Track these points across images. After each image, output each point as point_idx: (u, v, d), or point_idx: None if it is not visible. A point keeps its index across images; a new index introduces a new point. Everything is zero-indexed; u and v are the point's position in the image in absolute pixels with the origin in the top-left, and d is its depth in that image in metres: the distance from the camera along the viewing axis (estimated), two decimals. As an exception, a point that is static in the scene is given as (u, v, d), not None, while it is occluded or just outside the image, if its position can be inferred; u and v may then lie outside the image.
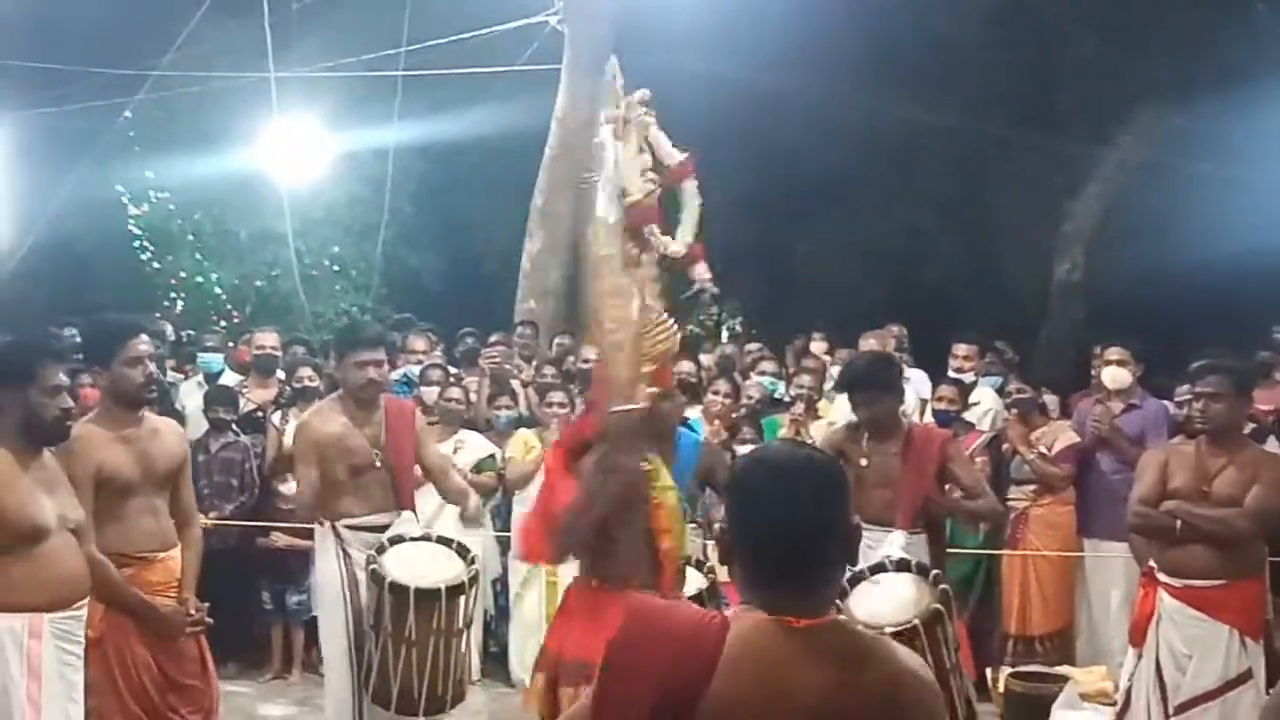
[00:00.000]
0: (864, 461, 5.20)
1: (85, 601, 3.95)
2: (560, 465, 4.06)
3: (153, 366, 4.43)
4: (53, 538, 3.82)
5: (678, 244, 4.11)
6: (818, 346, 8.65)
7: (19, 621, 3.76)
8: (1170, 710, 4.84)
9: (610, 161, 4.01)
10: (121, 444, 4.28)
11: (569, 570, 4.32)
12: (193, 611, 4.39)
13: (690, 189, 4.17)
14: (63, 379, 3.97)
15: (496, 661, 7.02)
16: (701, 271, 4.16)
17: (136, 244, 12.76)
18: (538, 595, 6.66)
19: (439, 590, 4.65)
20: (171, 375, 7.93)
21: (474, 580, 4.83)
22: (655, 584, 3.91)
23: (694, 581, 4.82)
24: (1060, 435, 6.78)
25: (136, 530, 4.28)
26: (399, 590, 4.63)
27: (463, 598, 4.75)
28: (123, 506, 4.25)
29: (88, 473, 4.15)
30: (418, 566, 4.78)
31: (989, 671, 6.31)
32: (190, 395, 7.64)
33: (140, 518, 4.29)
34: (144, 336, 4.44)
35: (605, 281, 3.98)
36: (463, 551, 4.90)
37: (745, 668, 2.06)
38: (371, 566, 4.77)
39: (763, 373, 7.81)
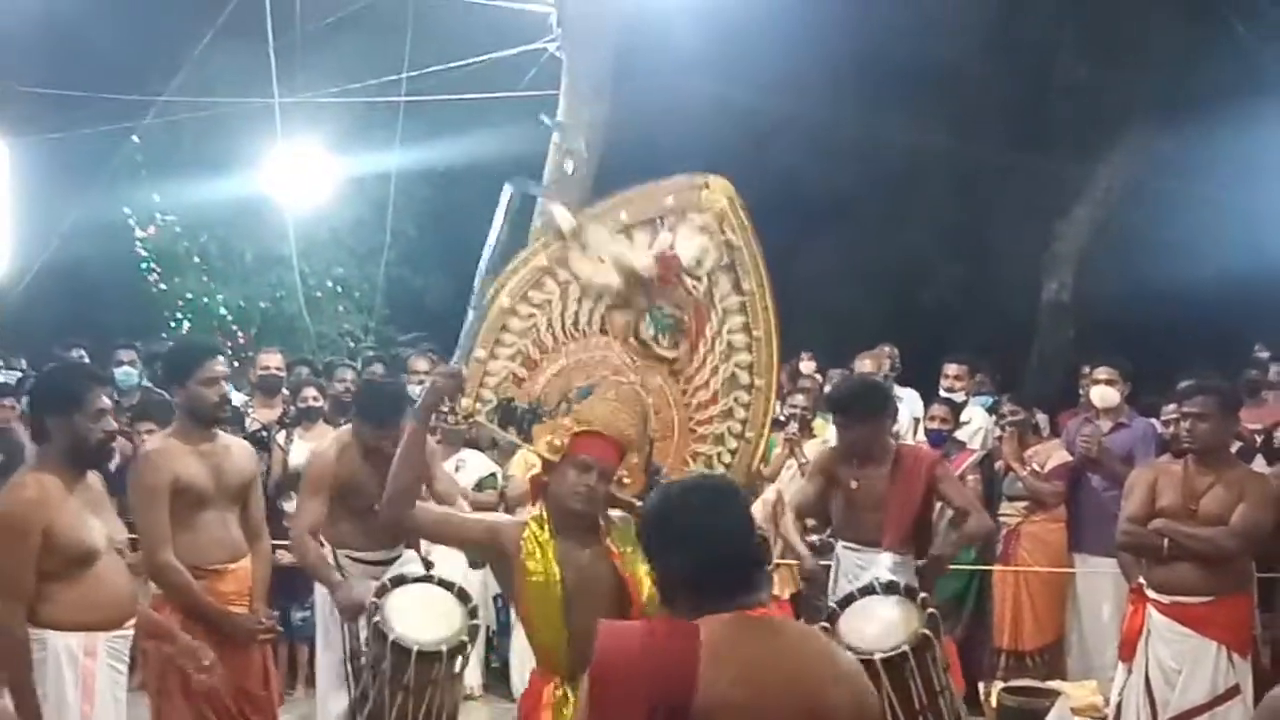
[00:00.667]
0: (854, 484, 5.22)
1: (133, 620, 4.04)
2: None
3: (227, 387, 4.56)
4: (102, 558, 3.91)
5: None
6: (807, 366, 8.72)
7: (75, 640, 3.84)
8: (1159, 724, 4.92)
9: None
10: (197, 457, 4.42)
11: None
12: (264, 620, 4.53)
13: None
14: (106, 403, 4.02)
15: (498, 677, 7.06)
16: None
17: (143, 266, 12.89)
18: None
19: (440, 652, 4.46)
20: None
21: (474, 632, 4.64)
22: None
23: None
24: (1053, 454, 6.82)
25: (209, 540, 4.41)
26: (400, 649, 4.43)
27: (461, 656, 4.57)
28: (196, 518, 4.38)
29: (164, 483, 4.28)
30: (420, 618, 4.58)
31: (981, 686, 6.37)
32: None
33: (212, 529, 4.43)
34: (219, 358, 4.59)
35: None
36: (464, 597, 4.68)
37: (727, 658, 2.28)
38: (374, 619, 4.55)
39: (757, 393, 7.84)
